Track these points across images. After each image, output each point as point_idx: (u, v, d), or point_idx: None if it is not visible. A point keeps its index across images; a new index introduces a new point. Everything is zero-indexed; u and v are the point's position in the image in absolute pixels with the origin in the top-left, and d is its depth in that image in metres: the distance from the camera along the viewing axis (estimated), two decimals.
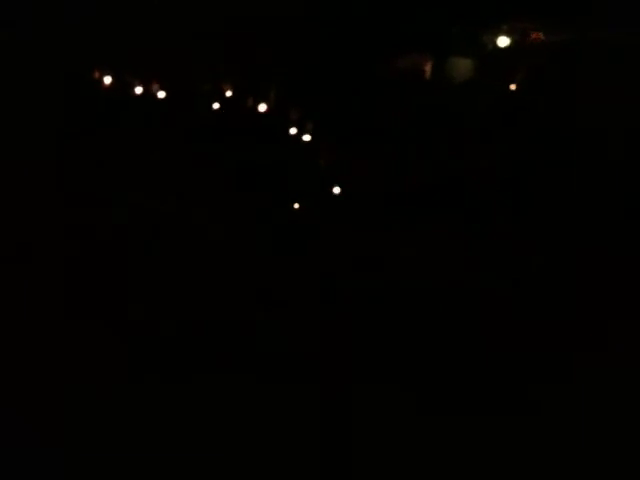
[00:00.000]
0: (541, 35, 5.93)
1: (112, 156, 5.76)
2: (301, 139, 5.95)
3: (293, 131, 5.96)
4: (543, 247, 5.63)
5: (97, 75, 5.91)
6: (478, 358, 5.21)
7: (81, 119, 5.83)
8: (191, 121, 5.98)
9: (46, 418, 4.74)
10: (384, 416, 4.93)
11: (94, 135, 5.80)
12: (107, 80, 5.90)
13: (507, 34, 5.91)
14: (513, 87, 5.90)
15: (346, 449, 4.84)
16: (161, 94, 5.95)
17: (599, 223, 5.63)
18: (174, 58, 5.93)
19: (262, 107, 6.00)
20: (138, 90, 5.92)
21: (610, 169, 5.74)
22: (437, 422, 4.93)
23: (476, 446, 4.82)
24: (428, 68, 5.99)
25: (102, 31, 5.88)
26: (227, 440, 4.78)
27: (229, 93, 6.05)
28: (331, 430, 4.89)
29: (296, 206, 5.79)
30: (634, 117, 5.80)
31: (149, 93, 5.94)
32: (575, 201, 5.72)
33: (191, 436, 4.76)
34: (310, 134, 5.94)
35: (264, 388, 5.01)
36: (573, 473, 4.72)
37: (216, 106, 6.03)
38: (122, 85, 5.92)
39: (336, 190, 5.75)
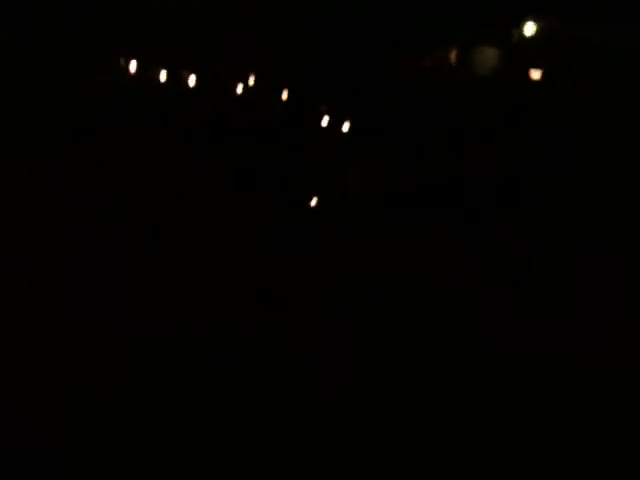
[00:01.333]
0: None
1: (112, 156, 5.76)
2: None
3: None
4: (543, 247, 5.63)
5: (121, 63, 5.91)
6: (478, 358, 5.21)
7: (81, 119, 5.83)
8: (191, 121, 5.98)
9: (46, 418, 4.74)
10: (384, 416, 4.93)
11: (94, 135, 5.80)
12: (132, 68, 5.92)
13: (534, 23, 5.88)
14: (536, 77, 5.88)
15: (346, 449, 4.84)
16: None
17: (599, 223, 5.63)
18: (174, 55, 5.93)
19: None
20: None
21: (610, 169, 5.74)
22: (437, 422, 4.93)
23: (476, 446, 4.81)
24: (453, 58, 5.96)
25: (102, 31, 5.88)
26: (227, 440, 4.78)
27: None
28: (331, 430, 4.89)
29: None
30: (634, 117, 5.81)
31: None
32: (575, 201, 5.72)
33: (191, 436, 4.76)
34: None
35: (264, 388, 5.00)
36: (573, 473, 4.72)
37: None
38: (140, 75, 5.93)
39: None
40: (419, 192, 5.80)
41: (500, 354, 5.21)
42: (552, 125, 5.88)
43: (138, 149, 5.79)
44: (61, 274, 5.37)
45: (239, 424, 4.84)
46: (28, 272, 5.32)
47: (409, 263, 5.56)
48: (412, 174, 5.87)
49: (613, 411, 4.93)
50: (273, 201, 5.80)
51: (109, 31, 5.90)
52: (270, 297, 5.45)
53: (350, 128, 5.95)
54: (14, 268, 5.33)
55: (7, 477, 4.55)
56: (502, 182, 5.83)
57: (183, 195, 5.74)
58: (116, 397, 4.86)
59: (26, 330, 5.10)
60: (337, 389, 5.07)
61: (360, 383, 5.09)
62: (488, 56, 5.98)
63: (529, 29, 5.94)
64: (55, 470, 4.59)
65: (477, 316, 5.37)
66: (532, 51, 5.98)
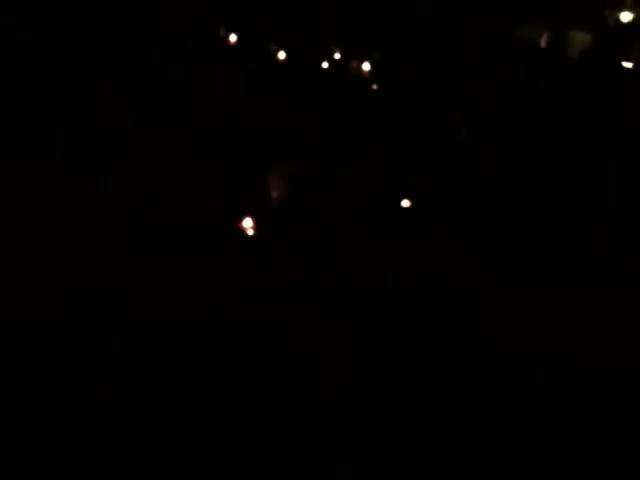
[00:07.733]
0: None
1: (112, 156, 5.76)
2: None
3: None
4: (543, 247, 5.63)
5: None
6: (478, 358, 5.21)
7: (82, 119, 5.83)
8: (191, 120, 5.98)
9: (46, 418, 4.75)
10: (384, 416, 4.93)
11: (94, 135, 5.80)
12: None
13: (630, 9, 5.69)
14: (628, 65, 5.70)
15: (346, 449, 4.84)
16: None
17: (599, 223, 5.63)
18: None
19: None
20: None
21: (610, 169, 5.74)
22: (437, 422, 4.93)
23: (476, 446, 4.82)
24: (543, 40, 5.79)
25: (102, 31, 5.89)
26: (227, 440, 4.78)
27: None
28: (331, 430, 4.90)
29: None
30: (634, 117, 5.81)
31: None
32: (575, 201, 5.72)
33: (191, 436, 4.77)
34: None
35: (264, 388, 5.01)
36: (573, 473, 4.73)
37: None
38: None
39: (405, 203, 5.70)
40: (419, 192, 5.81)
41: (500, 354, 5.22)
42: (552, 125, 5.88)
43: (138, 149, 5.80)
44: (61, 274, 5.37)
45: (239, 424, 4.85)
46: (28, 272, 5.33)
47: (409, 263, 5.56)
48: (412, 174, 5.87)
49: (613, 411, 4.94)
50: (273, 200, 5.81)
51: (109, 31, 5.90)
52: (270, 297, 5.45)
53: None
54: (14, 268, 5.33)
55: (7, 477, 4.56)
56: (502, 182, 5.83)
57: (183, 195, 5.74)
58: (115, 397, 4.87)
59: (26, 330, 5.10)
60: (337, 389, 5.08)
61: (360, 383, 5.09)
62: (579, 40, 5.76)
63: (626, 16, 5.68)
64: (55, 470, 4.60)
65: (477, 316, 5.37)
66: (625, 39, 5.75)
